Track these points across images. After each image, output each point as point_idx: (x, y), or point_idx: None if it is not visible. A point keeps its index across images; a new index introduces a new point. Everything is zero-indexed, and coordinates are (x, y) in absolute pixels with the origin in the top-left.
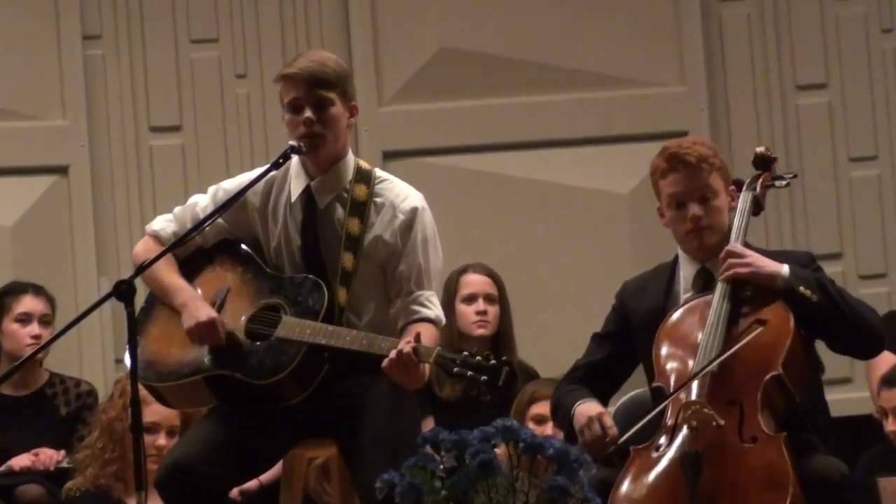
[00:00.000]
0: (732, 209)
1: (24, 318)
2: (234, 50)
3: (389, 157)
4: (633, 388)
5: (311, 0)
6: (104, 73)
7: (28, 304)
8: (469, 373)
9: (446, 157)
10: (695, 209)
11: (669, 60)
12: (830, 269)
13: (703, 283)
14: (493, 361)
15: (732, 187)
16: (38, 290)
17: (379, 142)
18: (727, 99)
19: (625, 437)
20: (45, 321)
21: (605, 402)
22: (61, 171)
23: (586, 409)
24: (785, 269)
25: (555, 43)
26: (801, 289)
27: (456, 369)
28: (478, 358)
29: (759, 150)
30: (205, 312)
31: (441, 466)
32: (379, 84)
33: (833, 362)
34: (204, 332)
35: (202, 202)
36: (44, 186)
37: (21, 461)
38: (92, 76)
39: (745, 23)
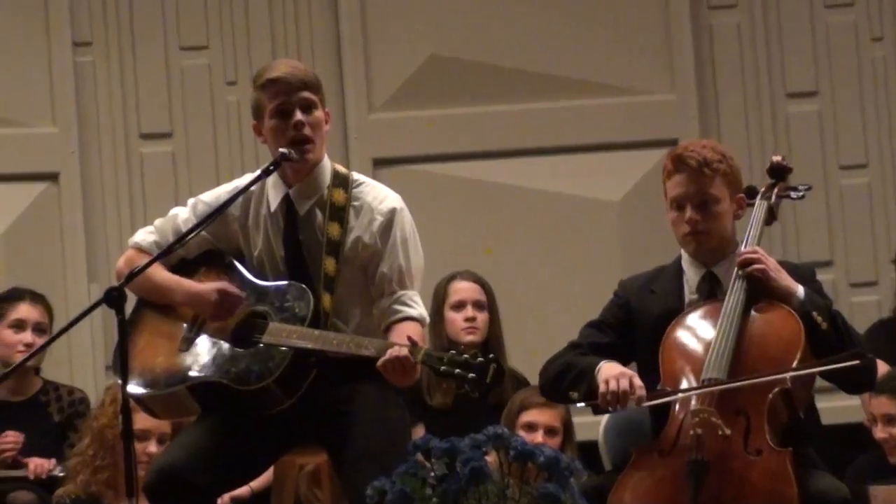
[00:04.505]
0: (738, 217)
1: (19, 325)
2: (224, 57)
3: (379, 165)
4: None
5: (301, 7)
6: (94, 80)
7: (23, 311)
8: (457, 370)
9: (436, 164)
10: (691, 213)
11: (660, 68)
12: (821, 278)
13: (710, 289)
14: (480, 359)
15: (741, 195)
16: (35, 298)
17: (369, 149)
18: (717, 107)
19: (649, 403)
20: (40, 329)
21: None
22: (52, 178)
23: (616, 366)
24: (800, 290)
25: (545, 51)
26: (815, 314)
27: (443, 368)
28: (465, 356)
29: (776, 158)
30: (210, 290)
31: (432, 474)
32: (369, 91)
33: None
34: (225, 306)
35: (183, 214)
36: (34, 193)
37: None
38: (82, 83)
39: (736, 31)
